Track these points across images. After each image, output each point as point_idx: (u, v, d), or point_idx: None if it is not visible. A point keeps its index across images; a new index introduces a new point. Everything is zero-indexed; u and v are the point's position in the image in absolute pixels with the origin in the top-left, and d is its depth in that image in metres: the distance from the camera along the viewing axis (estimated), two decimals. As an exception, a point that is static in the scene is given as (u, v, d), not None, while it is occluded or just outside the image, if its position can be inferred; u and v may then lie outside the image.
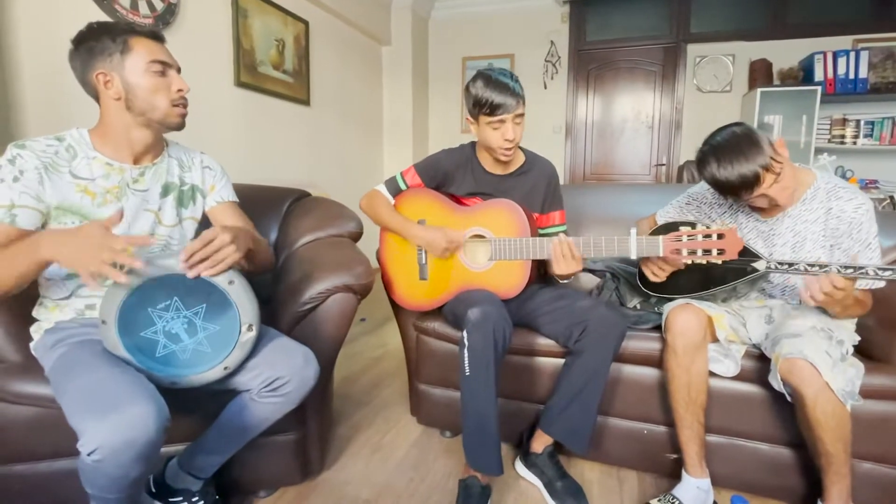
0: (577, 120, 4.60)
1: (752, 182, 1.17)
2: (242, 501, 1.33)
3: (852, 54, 3.54)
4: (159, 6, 2.42)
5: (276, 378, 1.04)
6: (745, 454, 1.32)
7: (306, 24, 3.53)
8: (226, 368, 1.01)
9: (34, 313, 1.10)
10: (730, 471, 1.34)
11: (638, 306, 1.56)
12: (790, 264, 1.17)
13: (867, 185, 3.65)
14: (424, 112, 4.91)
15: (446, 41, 4.84)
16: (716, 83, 4.12)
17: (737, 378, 1.28)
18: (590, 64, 4.50)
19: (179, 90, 1.07)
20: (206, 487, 1.16)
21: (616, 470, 1.50)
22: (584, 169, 4.64)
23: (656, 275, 1.33)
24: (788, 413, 1.23)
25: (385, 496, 1.37)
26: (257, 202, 1.55)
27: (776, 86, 3.71)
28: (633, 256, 1.26)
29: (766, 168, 1.16)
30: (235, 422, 1.09)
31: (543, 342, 1.43)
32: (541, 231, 1.55)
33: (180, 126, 1.10)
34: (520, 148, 1.50)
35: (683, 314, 1.26)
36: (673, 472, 1.37)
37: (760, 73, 3.84)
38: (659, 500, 1.29)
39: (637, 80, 4.39)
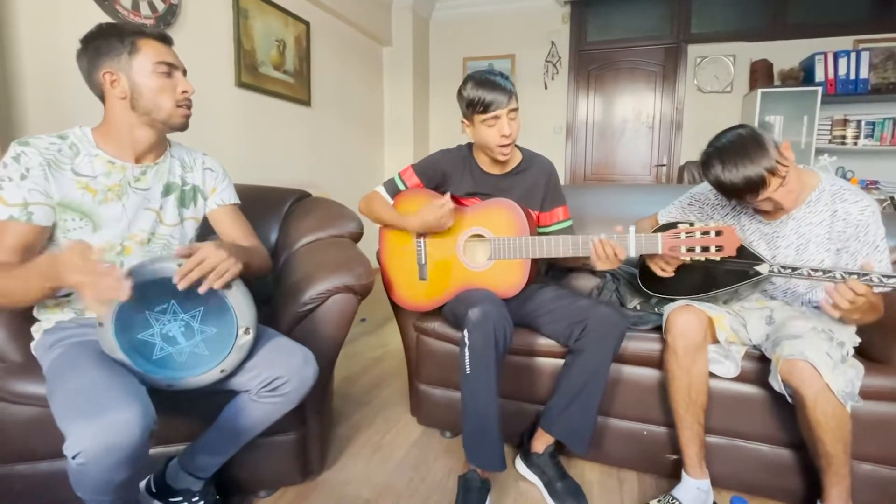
0: (577, 120, 4.60)
1: (758, 185, 1.16)
2: (243, 501, 1.33)
3: (853, 55, 3.54)
4: (160, 7, 2.43)
5: (275, 378, 1.05)
6: (745, 455, 1.32)
7: (307, 24, 3.54)
8: (222, 371, 1.01)
9: (35, 312, 1.10)
10: (729, 471, 1.34)
11: (638, 307, 1.56)
12: (793, 269, 1.17)
13: (868, 186, 3.65)
14: (425, 112, 4.92)
15: (447, 41, 4.84)
16: (716, 84, 4.12)
17: (737, 379, 1.28)
18: (590, 64, 4.50)
19: (184, 91, 1.08)
20: (206, 487, 1.16)
21: (616, 470, 1.50)
22: (584, 169, 4.64)
23: (664, 269, 1.32)
24: (788, 414, 1.23)
25: (385, 496, 1.37)
26: (258, 202, 1.55)
27: (777, 86, 3.70)
28: (632, 254, 1.26)
29: (772, 171, 1.15)
30: (235, 422, 1.09)
31: (544, 342, 1.43)
32: (546, 229, 1.55)
33: (184, 126, 1.11)
34: (517, 146, 1.51)
35: (684, 315, 1.26)
36: (673, 473, 1.38)
37: (761, 74, 3.83)
38: (659, 501, 1.29)
39: (638, 81, 4.39)
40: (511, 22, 4.59)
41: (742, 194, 1.20)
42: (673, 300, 1.38)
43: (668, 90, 4.30)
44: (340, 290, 1.26)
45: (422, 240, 1.49)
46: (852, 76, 3.54)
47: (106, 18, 2.18)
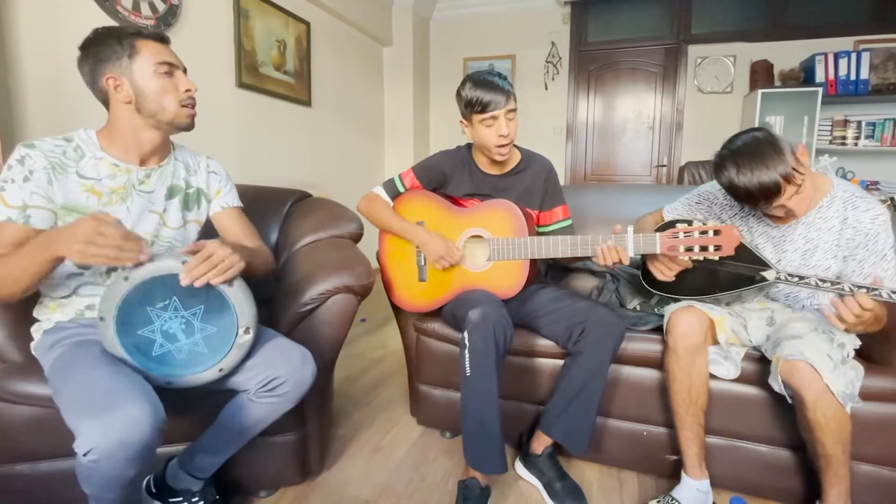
0: (577, 121, 4.60)
1: (773, 192, 1.13)
2: (242, 501, 1.33)
3: (853, 55, 3.54)
4: (161, 7, 2.43)
5: (273, 378, 1.05)
6: (745, 456, 1.33)
7: (307, 24, 3.54)
8: (221, 370, 1.01)
9: (35, 313, 1.10)
10: (729, 472, 1.34)
11: (638, 307, 1.56)
12: (801, 277, 1.15)
13: (868, 187, 3.65)
14: (425, 113, 4.92)
15: (447, 42, 4.84)
16: (717, 84, 4.12)
17: (737, 380, 1.28)
18: (591, 65, 4.51)
19: (187, 90, 1.08)
20: (206, 488, 1.16)
21: (616, 471, 1.51)
22: (584, 170, 4.64)
23: (664, 273, 1.31)
24: (788, 415, 1.23)
25: (385, 496, 1.38)
26: (258, 203, 1.55)
27: (777, 87, 3.70)
28: (631, 254, 1.26)
29: (788, 179, 1.12)
30: (234, 422, 1.09)
31: (543, 343, 1.43)
32: (546, 228, 1.55)
33: (190, 126, 1.11)
34: (516, 147, 1.51)
35: (685, 316, 1.26)
36: (672, 474, 1.38)
37: (761, 74, 3.83)
38: (658, 502, 1.29)
39: (638, 81, 4.40)
40: (511, 22, 4.59)
41: (756, 200, 1.17)
42: (676, 300, 1.38)
43: (668, 91, 4.30)
44: (340, 290, 1.26)
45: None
46: (853, 77, 3.54)
47: (107, 19, 2.18)
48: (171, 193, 1.16)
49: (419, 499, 1.37)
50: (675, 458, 1.37)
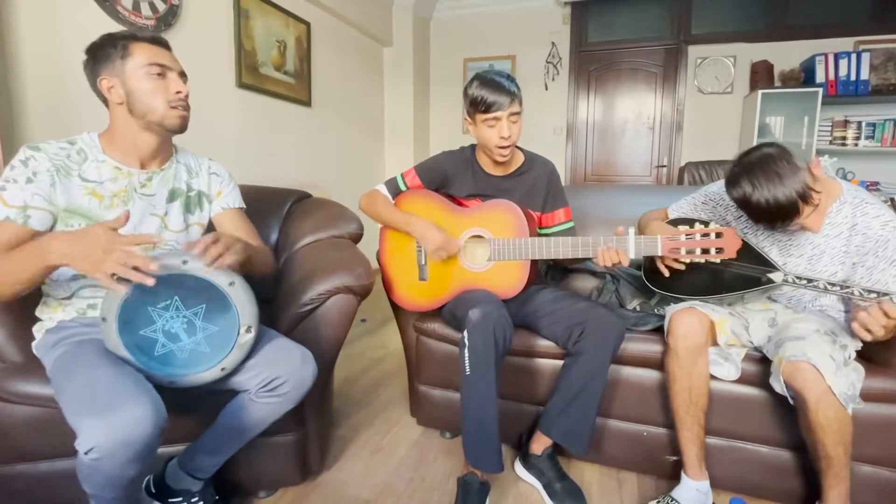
0: (577, 121, 4.60)
1: (791, 213, 1.11)
2: (242, 502, 1.33)
3: (853, 56, 3.54)
4: (161, 7, 2.43)
5: (273, 378, 1.05)
6: (745, 456, 1.32)
7: (308, 25, 3.54)
8: (223, 370, 1.01)
9: (37, 312, 1.11)
10: (729, 473, 1.34)
11: (637, 308, 1.56)
12: (808, 280, 1.14)
13: (868, 187, 3.65)
14: (426, 113, 4.92)
15: (448, 42, 4.84)
16: (717, 84, 4.12)
17: (737, 381, 1.28)
18: (591, 65, 4.51)
19: (178, 92, 1.08)
20: (205, 488, 1.16)
21: (615, 471, 1.50)
22: (584, 170, 4.64)
23: (672, 266, 1.30)
24: (788, 416, 1.23)
25: (385, 497, 1.37)
26: (258, 203, 1.55)
27: (777, 87, 3.70)
28: (632, 255, 1.26)
29: (804, 198, 1.09)
30: (234, 422, 1.09)
31: (543, 343, 1.43)
32: (547, 230, 1.56)
33: (181, 128, 1.11)
34: (519, 148, 1.51)
35: (686, 317, 1.26)
36: (672, 474, 1.38)
37: (761, 75, 3.83)
38: (658, 502, 1.29)
39: (638, 82, 4.39)
40: (512, 23, 4.59)
41: (772, 219, 1.14)
42: (680, 300, 1.38)
43: (668, 91, 4.30)
44: (340, 290, 1.26)
45: (422, 241, 1.49)
46: (853, 77, 3.54)
47: (107, 19, 2.18)
48: (172, 196, 1.17)
49: (419, 499, 1.37)
50: (674, 458, 1.37)
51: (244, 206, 1.31)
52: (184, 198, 1.19)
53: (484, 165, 1.50)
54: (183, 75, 1.11)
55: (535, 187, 1.51)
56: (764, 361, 1.27)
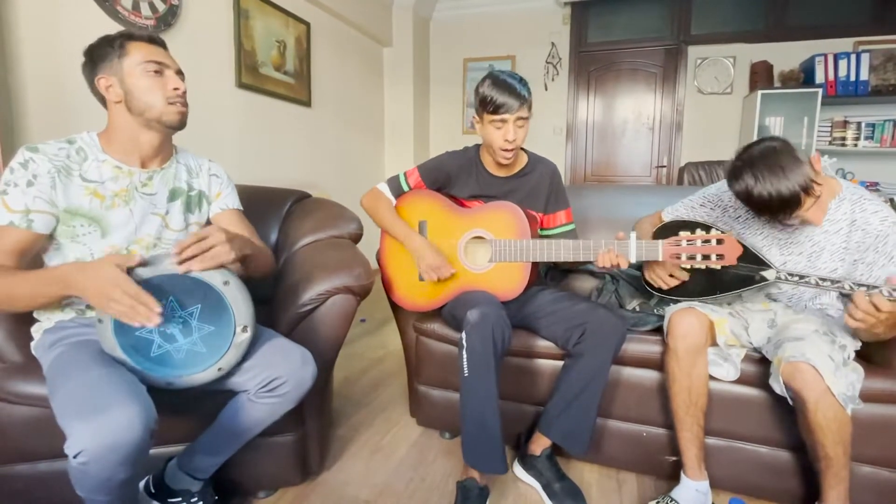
0: (577, 121, 4.60)
1: (793, 205, 1.11)
2: (242, 502, 1.33)
3: (853, 56, 3.54)
4: (161, 7, 2.43)
5: (273, 378, 1.05)
6: (744, 457, 1.33)
7: (307, 25, 3.54)
8: (220, 370, 1.01)
9: (35, 312, 1.10)
10: (728, 473, 1.34)
11: (637, 308, 1.56)
12: (801, 276, 1.15)
13: (868, 188, 3.65)
14: (425, 113, 4.92)
15: (448, 42, 4.84)
16: (716, 85, 4.13)
17: (737, 381, 1.28)
18: (591, 65, 4.51)
19: (175, 88, 1.08)
20: (205, 488, 1.16)
21: (615, 472, 1.51)
22: (584, 170, 4.64)
23: (663, 280, 1.33)
24: (787, 416, 1.23)
25: (385, 497, 1.37)
26: (258, 203, 1.55)
27: (777, 88, 3.71)
28: (633, 260, 1.26)
29: (807, 190, 1.10)
30: (233, 422, 1.09)
31: (543, 344, 1.43)
32: (548, 232, 1.56)
33: (180, 124, 1.11)
34: (523, 150, 1.51)
35: (686, 318, 1.26)
36: (672, 475, 1.38)
37: (761, 75, 3.84)
38: (657, 503, 1.29)
39: (638, 82, 4.40)
40: (511, 23, 4.59)
41: (775, 212, 1.15)
42: (677, 301, 1.38)
43: (668, 91, 4.30)
44: (340, 290, 1.26)
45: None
46: (852, 78, 3.54)
47: (107, 19, 2.18)
48: (173, 196, 1.17)
49: (419, 499, 1.37)
50: (674, 459, 1.37)
51: (241, 209, 1.31)
52: (185, 197, 1.19)
53: (487, 166, 1.50)
54: (180, 73, 1.11)
55: (537, 188, 1.51)
56: (763, 362, 1.27)
